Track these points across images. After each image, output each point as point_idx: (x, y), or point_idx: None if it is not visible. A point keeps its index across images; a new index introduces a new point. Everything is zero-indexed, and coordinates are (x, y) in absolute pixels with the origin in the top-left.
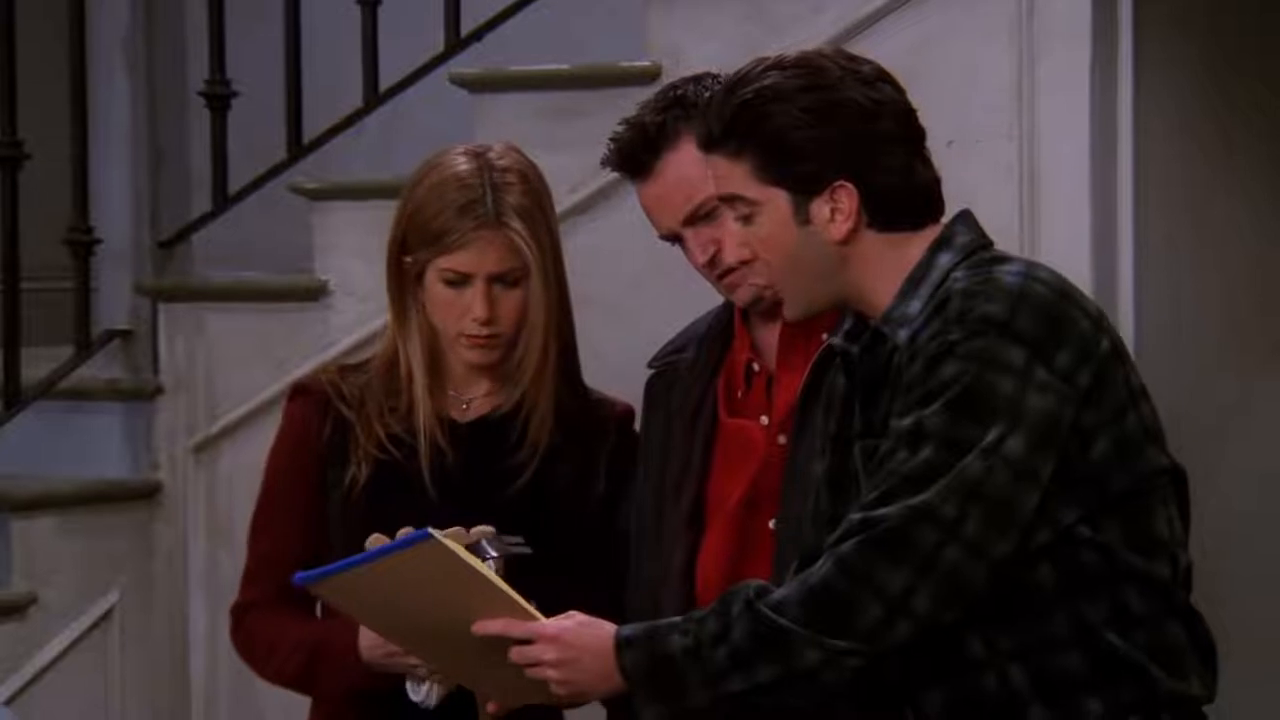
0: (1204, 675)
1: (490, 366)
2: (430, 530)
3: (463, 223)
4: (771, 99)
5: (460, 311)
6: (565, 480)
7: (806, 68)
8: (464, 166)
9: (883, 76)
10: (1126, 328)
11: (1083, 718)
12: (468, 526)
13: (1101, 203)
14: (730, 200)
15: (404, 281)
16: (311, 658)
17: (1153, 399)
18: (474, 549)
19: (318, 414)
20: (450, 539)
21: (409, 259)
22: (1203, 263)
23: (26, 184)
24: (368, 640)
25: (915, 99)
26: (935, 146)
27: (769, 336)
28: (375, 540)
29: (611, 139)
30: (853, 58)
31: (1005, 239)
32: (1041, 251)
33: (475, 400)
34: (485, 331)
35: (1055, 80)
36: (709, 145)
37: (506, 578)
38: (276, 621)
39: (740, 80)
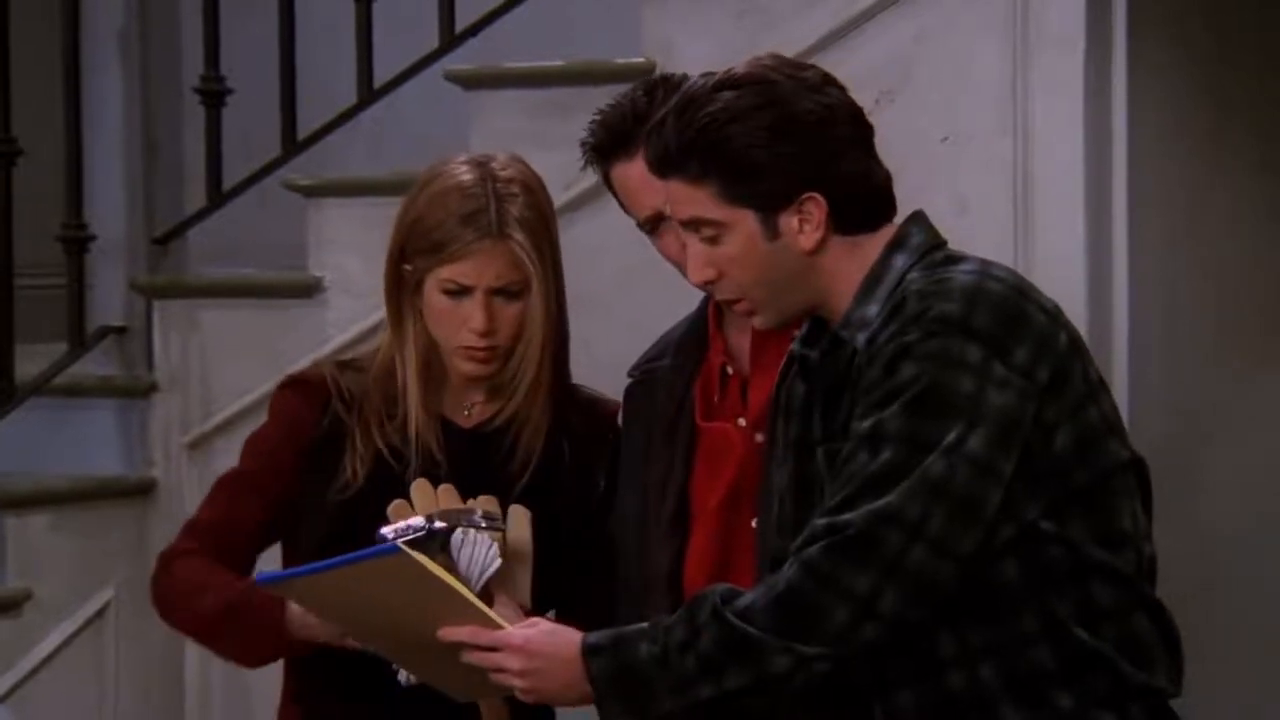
0: (1170, 668)
1: (487, 378)
2: (399, 544)
3: (465, 233)
4: (728, 121)
5: (459, 323)
6: (566, 485)
7: (757, 84)
8: (467, 176)
9: (828, 80)
10: (1121, 326)
11: (1053, 713)
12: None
13: (1096, 200)
14: (693, 224)
15: (402, 290)
16: (236, 602)
17: (1146, 395)
18: (459, 515)
19: (313, 409)
20: (443, 496)
21: (408, 267)
22: (1197, 261)
23: (20, 180)
24: (296, 609)
25: (909, 94)
26: (929, 142)
27: (742, 339)
28: (397, 507)
29: (593, 121)
30: (796, 64)
31: (999, 236)
32: (1036, 249)
33: (477, 406)
34: (484, 343)
35: (1050, 77)
36: (664, 169)
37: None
38: (211, 568)
39: (690, 102)
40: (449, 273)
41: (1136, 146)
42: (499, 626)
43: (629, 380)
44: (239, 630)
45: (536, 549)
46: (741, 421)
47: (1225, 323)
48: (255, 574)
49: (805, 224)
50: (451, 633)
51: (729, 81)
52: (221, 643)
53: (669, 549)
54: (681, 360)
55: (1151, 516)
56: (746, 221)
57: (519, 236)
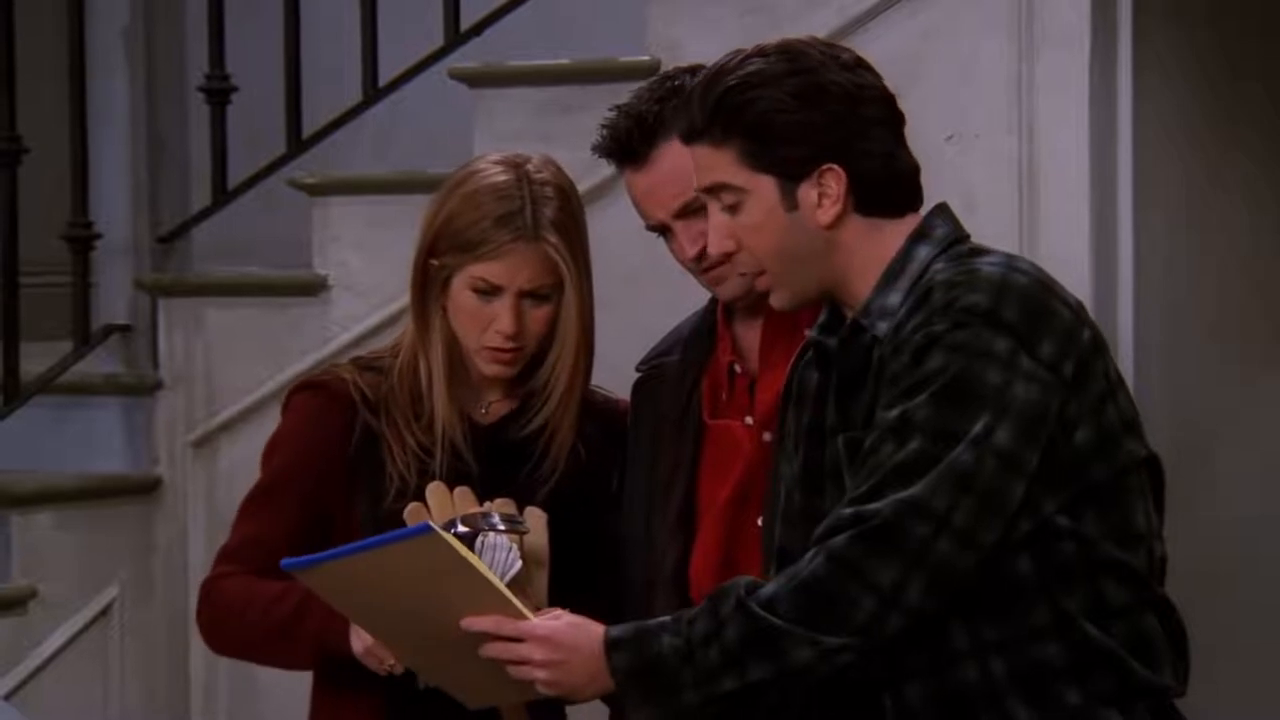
0: (1177, 666)
1: (508, 378)
2: (430, 524)
3: (500, 234)
4: (757, 85)
5: (485, 322)
6: (581, 489)
7: (788, 53)
8: (502, 177)
9: (861, 63)
10: (1125, 324)
11: (1061, 708)
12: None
13: (1100, 198)
14: (715, 190)
15: (428, 286)
16: (301, 603)
17: (1151, 395)
18: (479, 518)
19: (340, 418)
20: (459, 499)
21: (435, 262)
22: (1202, 259)
23: (25, 179)
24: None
25: (915, 92)
26: (934, 140)
27: (750, 337)
28: (414, 511)
29: (605, 125)
30: (831, 45)
31: (1004, 233)
32: (1040, 247)
33: (493, 403)
34: (510, 345)
35: (1054, 75)
36: (691, 136)
37: (550, 553)
38: (257, 581)
39: (721, 70)
40: (480, 271)
41: (1141, 144)
42: (524, 616)
43: (637, 375)
44: (310, 623)
45: (552, 551)
46: (749, 420)
47: (1231, 321)
48: (281, 560)
49: (824, 197)
50: (475, 622)
51: (760, 51)
52: (289, 641)
53: (675, 547)
54: (690, 356)
55: (1164, 515)
56: (767, 189)
57: (553, 239)
